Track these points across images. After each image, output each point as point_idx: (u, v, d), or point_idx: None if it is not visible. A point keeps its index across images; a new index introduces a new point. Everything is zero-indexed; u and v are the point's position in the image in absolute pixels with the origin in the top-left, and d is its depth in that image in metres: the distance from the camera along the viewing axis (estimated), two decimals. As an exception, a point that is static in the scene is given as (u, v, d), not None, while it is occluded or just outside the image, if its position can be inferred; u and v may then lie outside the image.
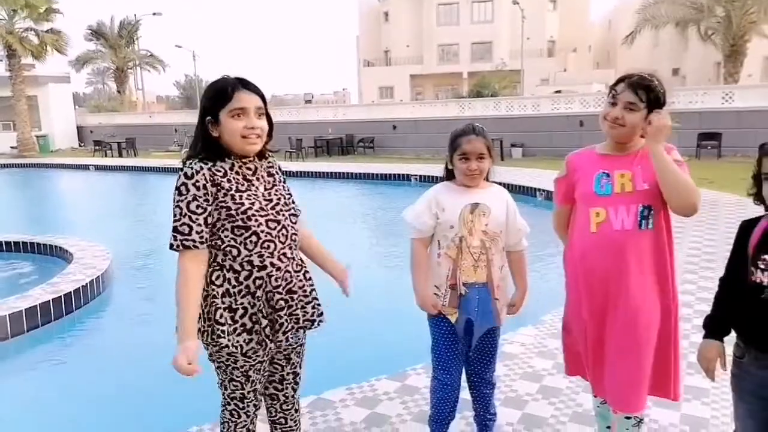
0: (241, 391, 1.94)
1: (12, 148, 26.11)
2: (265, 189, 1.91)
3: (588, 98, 19.88)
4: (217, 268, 1.85)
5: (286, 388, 2.11)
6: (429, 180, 13.94)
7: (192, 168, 1.79)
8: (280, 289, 1.87)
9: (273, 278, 1.86)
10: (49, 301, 4.86)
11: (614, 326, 2.07)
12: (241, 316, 1.85)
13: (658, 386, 2.12)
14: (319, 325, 2.02)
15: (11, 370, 4.35)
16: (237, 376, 1.92)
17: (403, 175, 14.54)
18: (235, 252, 1.82)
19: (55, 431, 3.39)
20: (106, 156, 23.84)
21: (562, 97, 20.91)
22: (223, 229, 1.81)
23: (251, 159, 1.91)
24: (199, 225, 1.77)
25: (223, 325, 1.83)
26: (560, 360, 3.52)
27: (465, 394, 2.51)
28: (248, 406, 1.97)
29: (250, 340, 1.86)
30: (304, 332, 2.03)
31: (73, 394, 3.81)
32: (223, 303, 1.84)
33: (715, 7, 18.16)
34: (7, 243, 7.34)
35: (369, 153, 21.92)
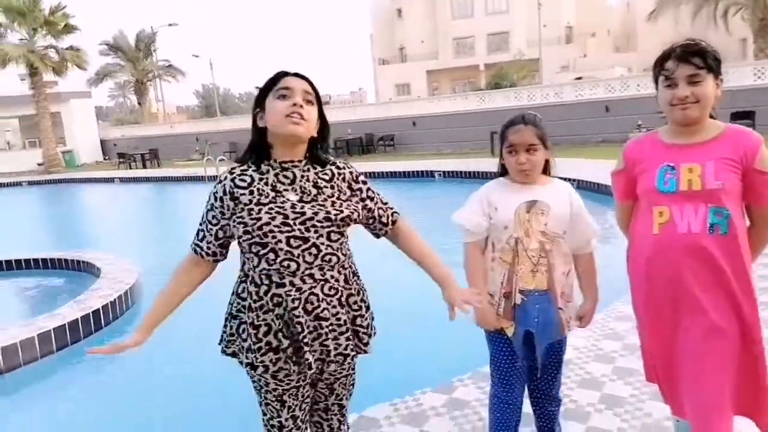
0: (278, 419, 1.76)
1: (39, 164, 26.56)
2: (301, 201, 1.67)
3: (613, 83, 19.37)
4: (243, 278, 1.72)
5: (331, 419, 1.92)
6: (453, 175, 13.71)
7: (220, 177, 1.73)
8: (298, 312, 1.64)
9: (291, 299, 1.64)
10: (77, 319, 4.75)
11: (686, 343, 1.80)
12: (265, 334, 1.67)
13: (745, 407, 1.84)
14: (354, 359, 1.81)
15: (43, 391, 4.23)
16: (271, 400, 1.74)
17: (427, 171, 14.30)
18: (255, 262, 1.67)
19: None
20: (130, 168, 24.07)
21: (586, 83, 20.43)
22: (243, 242, 1.69)
23: (296, 163, 1.72)
24: (210, 236, 1.72)
25: (245, 341, 1.69)
26: (619, 364, 3.29)
27: (526, 407, 2.28)
28: None
29: (278, 359, 1.67)
30: (349, 360, 1.79)
31: (107, 414, 3.67)
32: (247, 318, 1.69)
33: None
34: (35, 260, 7.31)
35: (390, 151, 21.74)
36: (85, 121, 30.40)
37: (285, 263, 1.63)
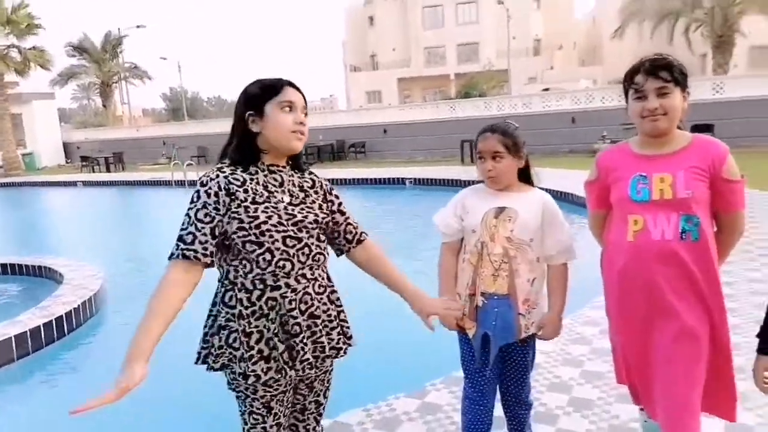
0: (262, 425, 1.72)
1: (-3, 167, 25.70)
2: (291, 204, 1.70)
3: (579, 95, 19.84)
4: (229, 287, 1.68)
5: (308, 419, 1.89)
6: (424, 183, 13.81)
7: (208, 176, 1.67)
8: (294, 313, 1.66)
9: (287, 300, 1.65)
10: (39, 326, 4.61)
11: (659, 346, 1.86)
12: (257, 342, 1.64)
13: (714, 406, 1.92)
14: (346, 352, 1.81)
15: (2, 399, 4.09)
16: (257, 408, 1.71)
17: (398, 179, 14.36)
18: (247, 268, 1.64)
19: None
20: (93, 172, 23.48)
21: (553, 94, 20.87)
22: (234, 243, 1.63)
23: (281, 168, 1.74)
24: (204, 235, 1.59)
25: (237, 350, 1.65)
26: (587, 368, 3.36)
27: (499, 411, 2.31)
28: None
29: (269, 369, 1.65)
30: (331, 360, 1.81)
31: (68, 424, 3.56)
32: (238, 326, 1.65)
33: (701, -2, 18.19)
34: (-5, 266, 7.07)
35: (360, 158, 21.76)
36: (47, 123, 29.52)
37: (281, 263, 1.63)
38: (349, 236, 1.86)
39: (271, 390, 1.69)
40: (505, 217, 2.10)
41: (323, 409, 1.93)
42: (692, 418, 1.82)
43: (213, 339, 1.69)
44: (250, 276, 1.64)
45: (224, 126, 26.65)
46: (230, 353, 1.66)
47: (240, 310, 1.65)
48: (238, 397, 1.74)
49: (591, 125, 18.19)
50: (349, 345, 1.83)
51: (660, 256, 1.81)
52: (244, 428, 1.76)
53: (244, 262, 1.64)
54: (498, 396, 2.30)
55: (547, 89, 27.09)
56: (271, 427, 1.73)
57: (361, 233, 1.89)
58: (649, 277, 1.84)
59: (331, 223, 1.82)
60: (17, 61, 24.08)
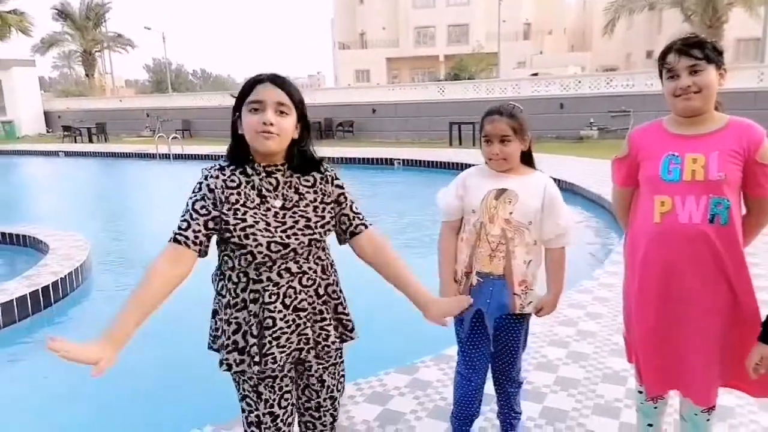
0: (256, 413, 1.71)
1: (-25, 134, 25.10)
2: (283, 208, 1.67)
3: (567, 81, 19.90)
4: (221, 277, 1.71)
5: (324, 415, 1.87)
6: (413, 164, 13.81)
7: (210, 171, 1.67)
8: (272, 306, 1.64)
9: (268, 293, 1.64)
10: (26, 294, 4.57)
11: (686, 329, 1.89)
12: (234, 332, 1.66)
13: (741, 380, 1.94)
14: (342, 344, 1.81)
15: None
16: (248, 392, 1.71)
17: (387, 159, 14.34)
18: (230, 264, 1.67)
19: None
20: (75, 142, 23.06)
21: (542, 79, 20.87)
22: (223, 240, 1.66)
23: (278, 168, 1.69)
24: (198, 225, 1.60)
25: (219, 338, 1.69)
26: (573, 348, 3.45)
27: (489, 388, 2.36)
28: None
29: (241, 361, 1.65)
30: (336, 349, 1.80)
31: (56, 393, 3.57)
32: (224, 315, 1.68)
33: (693, -12, 18.26)
34: (-24, 234, 6.96)
35: (348, 137, 21.63)
36: (27, 91, 28.78)
37: (260, 264, 1.64)
38: (344, 227, 1.79)
39: (257, 374, 1.68)
40: (506, 199, 2.13)
41: (338, 403, 1.90)
42: (715, 390, 1.90)
43: (210, 323, 1.76)
44: (235, 270, 1.66)
45: (210, 100, 26.30)
46: (218, 340, 1.71)
47: (228, 300, 1.67)
48: (233, 380, 1.74)
49: (579, 112, 18.29)
50: (348, 339, 1.81)
51: (687, 239, 1.82)
52: (242, 417, 1.76)
53: (230, 257, 1.66)
54: (489, 374, 2.36)
55: (536, 74, 27.07)
56: (264, 415, 1.70)
57: (357, 225, 1.79)
58: (673, 260, 1.85)
59: (328, 216, 1.75)
60: (-4, 25, 23.43)
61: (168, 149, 16.86)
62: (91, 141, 23.00)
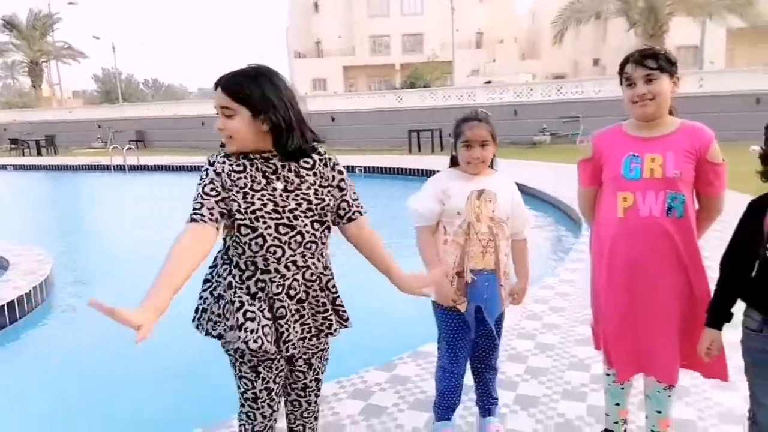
0: (252, 391, 1.84)
1: None
2: (286, 190, 1.76)
3: (521, 89, 20.52)
4: (227, 261, 1.79)
5: (309, 395, 2.03)
6: (374, 171, 13.97)
7: (215, 157, 1.74)
8: (281, 297, 1.76)
9: (275, 284, 1.75)
10: (-8, 310, 4.47)
11: (652, 314, 2.07)
12: (244, 315, 1.74)
13: (699, 363, 2.10)
14: (338, 331, 1.93)
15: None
16: (246, 372, 1.82)
17: (349, 167, 14.44)
18: (240, 250, 1.74)
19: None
20: (23, 155, 22.27)
21: (496, 87, 21.47)
22: (231, 225, 1.73)
23: (274, 154, 1.76)
24: (211, 204, 1.67)
25: (228, 320, 1.76)
26: (540, 340, 3.64)
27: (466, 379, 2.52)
28: (263, 407, 1.87)
29: (256, 339, 1.74)
30: (325, 338, 1.93)
31: (26, 408, 3.53)
32: (232, 298, 1.76)
33: (637, -1, 19.16)
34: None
35: (308, 146, 21.60)
36: (-32, 102, 27.66)
37: (272, 249, 1.72)
38: (342, 212, 1.88)
39: (257, 356, 1.79)
40: (486, 199, 2.29)
41: (321, 384, 2.05)
42: (677, 368, 2.09)
43: (212, 306, 1.80)
44: (243, 257, 1.74)
45: (164, 110, 25.84)
46: (224, 322, 1.77)
47: (230, 281, 1.76)
48: (231, 362, 1.85)
49: (531, 118, 18.88)
50: (345, 326, 1.94)
51: (648, 231, 2.01)
52: (238, 393, 1.88)
53: (239, 243, 1.73)
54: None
55: (489, 82, 27.78)
56: (260, 391, 1.84)
57: (355, 212, 1.90)
58: (637, 250, 2.04)
59: (328, 199, 1.84)
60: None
61: (123, 160, 16.52)
62: (39, 154, 22.28)
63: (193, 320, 1.84)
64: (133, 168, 16.56)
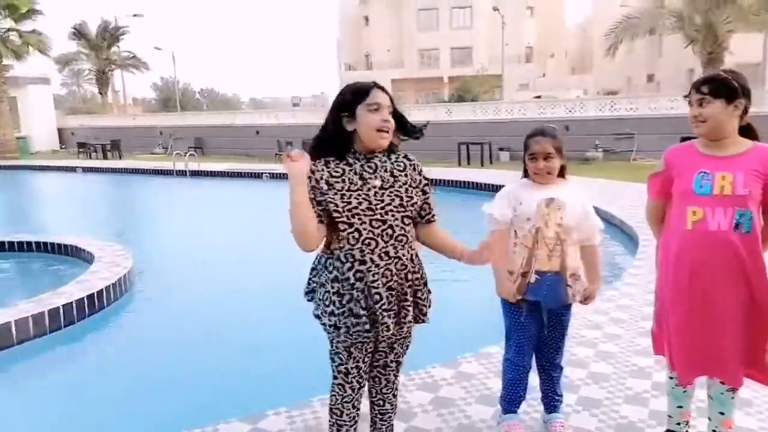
0: (345, 366, 2.12)
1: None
2: (381, 188, 2.03)
3: (572, 104, 20.38)
4: (330, 255, 2.06)
5: (389, 374, 2.28)
6: (445, 183, 14.05)
7: (317, 165, 2.02)
8: (376, 284, 2.00)
9: (371, 273, 2.00)
10: (83, 297, 4.91)
11: (716, 319, 2.20)
12: (348, 301, 2.01)
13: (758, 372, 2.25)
14: (417, 322, 2.16)
15: (53, 365, 4.39)
16: (340, 350, 2.10)
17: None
18: (341, 244, 2.01)
19: (96, 424, 3.44)
20: (90, 158, 23.52)
21: (547, 102, 21.37)
22: (333, 220, 2.00)
23: (376, 155, 2.06)
24: (314, 207, 1.98)
25: (328, 306, 2.04)
26: (601, 348, 3.77)
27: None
28: (352, 381, 2.14)
29: (357, 322, 2.01)
30: (408, 326, 2.15)
31: (116, 388, 3.88)
32: (332, 288, 2.04)
33: (694, 15, 18.78)
34: (20, 243, 7.31)
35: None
36: (42, 107, 29.41)
37: (366, 241, 1.99)
38: (423, 213, 2.17)
39: (351, 338, 2.06)
40: (555, 206, 2.49)
41: (400, 366, 2.32)
42: (742, 373, 2.22)
43: (318, 290, 2.11)
44: (343, 251, 2.01)
45: (220, 119, 26.84)
46: (323, 307, 2.06)
47: (336, 275, 2.04)
48: (328, 339, 2.14)
49: (584, 134, 18.72)
50: (420, 321, 2.18)
51: (715, 244, 2.15)
52: (332, 365, 2.17)
53: (339, 239, 2.01)
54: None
55: (539, 96, 27.64)
56: (352, 368, 2.13)
57: (433, 215, 2.20)
58: (704, 261, 2.18)
59: (416, 198, 2.12)
60: (17, 45, 24.02)
61: (185, 166, 17.29)
62: (105, 157, 23.45)
63: (305, 294, 2.19)
64: (194, 173, 17.30)
